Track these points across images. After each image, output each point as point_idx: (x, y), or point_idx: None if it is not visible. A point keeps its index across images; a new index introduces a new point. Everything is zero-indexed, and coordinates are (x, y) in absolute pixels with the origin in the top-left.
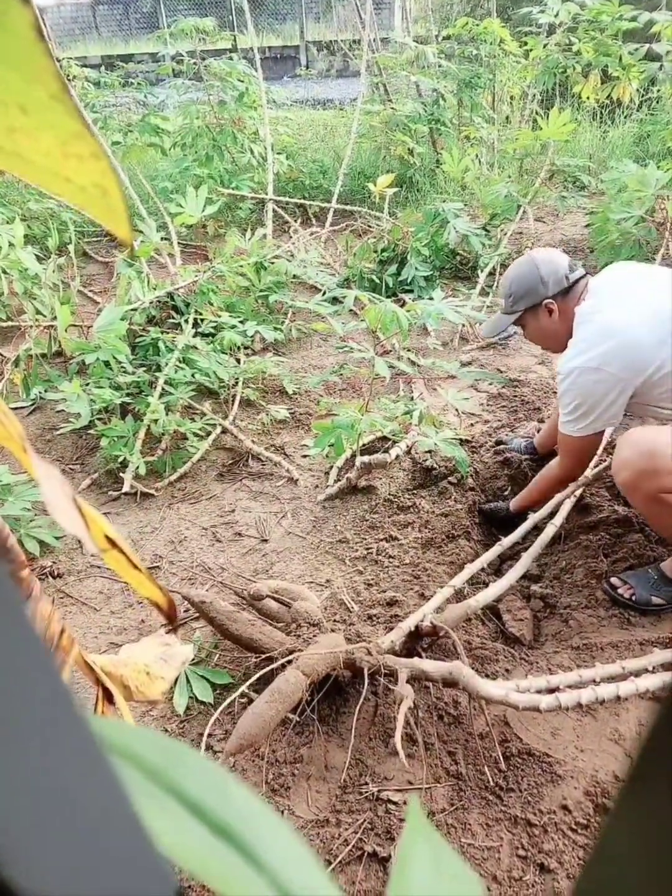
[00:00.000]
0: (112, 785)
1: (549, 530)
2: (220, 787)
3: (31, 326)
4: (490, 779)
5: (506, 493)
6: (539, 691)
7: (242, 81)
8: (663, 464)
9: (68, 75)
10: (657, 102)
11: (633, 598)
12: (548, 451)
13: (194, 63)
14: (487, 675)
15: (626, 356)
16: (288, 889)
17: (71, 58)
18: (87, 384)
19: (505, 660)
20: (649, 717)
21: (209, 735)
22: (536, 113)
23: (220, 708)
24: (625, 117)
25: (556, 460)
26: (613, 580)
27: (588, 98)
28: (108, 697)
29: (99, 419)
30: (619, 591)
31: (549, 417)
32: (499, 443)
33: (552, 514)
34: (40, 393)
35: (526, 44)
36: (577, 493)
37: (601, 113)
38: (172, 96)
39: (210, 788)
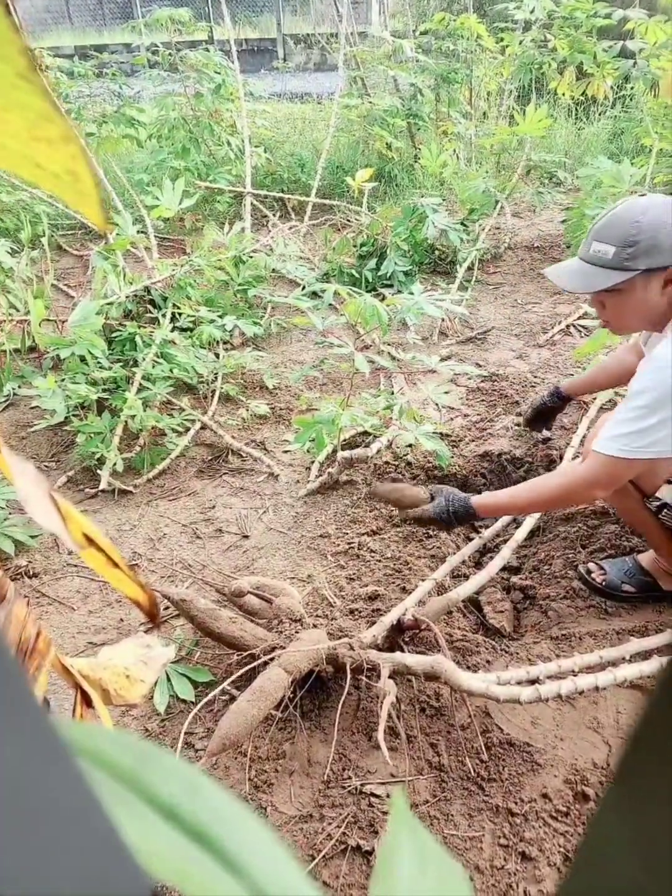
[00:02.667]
0: (79, 784)
1: (528, 522)
2: (195, 789)
3: (4, 321)
4: (472, 769)
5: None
6: (519, 683)
7: (219, 73)
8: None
9: (40, 65)
10: (631, 99)
11: (604, 583)
12: (576, 393)
13: (170, 54)
14: (469, 667)
15: None
16: (267, 893)
17: (43, 47)
18: (62, 380)
19: (486, 651)
20: (636, 712)
21: (191, 733)
22: (513, 108)
23: (200, 705)
24: (599, 114)
25: (572, 469)
26: (590, 565)
27: (564, 94)
28: (87, 700)
29: (74, 415)
30: (593, 575)
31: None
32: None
33: None
34: (13, 389)
35: (502, 40)
36: None
37: (576, 109)
38: (148, 87)
39: (185, 791)
